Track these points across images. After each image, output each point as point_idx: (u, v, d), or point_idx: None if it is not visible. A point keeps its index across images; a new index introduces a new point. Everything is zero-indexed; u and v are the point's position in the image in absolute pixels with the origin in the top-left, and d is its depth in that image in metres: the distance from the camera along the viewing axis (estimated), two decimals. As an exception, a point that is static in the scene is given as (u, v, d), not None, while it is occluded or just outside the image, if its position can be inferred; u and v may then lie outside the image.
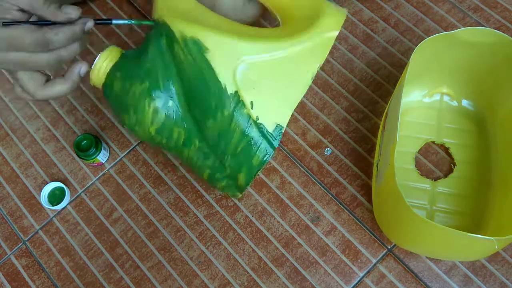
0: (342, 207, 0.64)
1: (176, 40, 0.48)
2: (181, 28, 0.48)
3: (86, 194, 0.67)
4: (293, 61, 0.50)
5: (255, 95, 0.50)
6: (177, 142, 0.52)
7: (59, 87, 0.46)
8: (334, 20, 0.53)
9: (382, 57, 0.72)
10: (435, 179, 0.64)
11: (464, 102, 0.66)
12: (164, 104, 0.50)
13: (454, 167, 0.64)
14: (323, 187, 0.65)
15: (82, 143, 0.66)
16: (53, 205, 0.66)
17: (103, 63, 0.49)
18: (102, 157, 0.67)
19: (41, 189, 0.67)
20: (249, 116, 0.50)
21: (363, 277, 0.61)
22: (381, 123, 0.66)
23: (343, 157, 0.67)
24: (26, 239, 0.66)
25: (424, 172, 0.65)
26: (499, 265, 0.60)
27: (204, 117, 0.50)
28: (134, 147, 0.69)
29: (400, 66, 0.72)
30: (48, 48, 0.42)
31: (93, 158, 0.65)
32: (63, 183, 0.67)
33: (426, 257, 0.61)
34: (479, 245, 0.49)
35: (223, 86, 0.49)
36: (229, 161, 0.52)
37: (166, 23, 0.49)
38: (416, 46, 0.55)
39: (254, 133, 0.50)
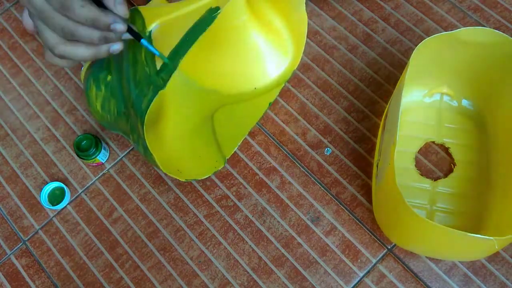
0: (342, 207, 0.64)
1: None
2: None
3: (86, 194, 0.67)
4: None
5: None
6: (114, 113, 0.55)
7: (82, 50, 0.43)
8: None
9: (382, 57, 0.72)
10: (435, 179, 0.64)
11: (464, 102, 0.66)
12: (104, 79, 0.54)
13: (454, 167, 0.64)
14: (323, 187, 0.65)
15: (82, 143, 0.66)
16: (53, 205, 0.66)
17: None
18: (102, 157, 0.67)
19: (41, 189, 0.67)
20: (146, 65, 0.52)
21: (363, 277, 0.61)
22: (381, 123, 0.66)
23: (343, 157, 0.67)
24: (26, 239, 0.66)
25: (424, 172, 0.65)
26: (499, 265, 0.60)
27: (123, 83, 0.53)
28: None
29: (400, 66, 0.72)
30: (68, 14, 0.40)
31: (93, 158, 0.65)
32: (63, 183, 0.67)
33: (426, 257, 0.61)
34: (479, 245, 0.49)
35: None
36: (132, 112, 0.53)
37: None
38: (416, 46, 0.55)
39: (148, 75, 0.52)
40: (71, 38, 0.42)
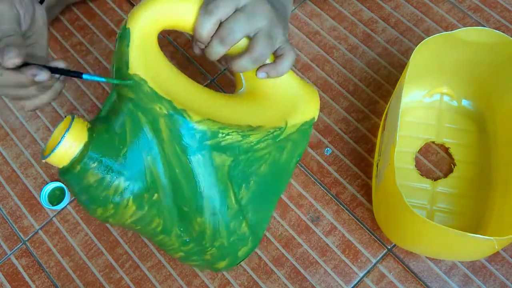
0: (342, 207, 0.64)
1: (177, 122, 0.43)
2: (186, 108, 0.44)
3: (86, 194, 0.67)
4: (278, 152, 0.49)
5: (244, 190, 0.48)
6: (155, 230, 0.48)
7: (41, 98, 0.44)
8: (312, 104, 0.51)
9: (382, 57, 0.72)
10: (435, 179, 0.64)
11: (464, 102, 0.66)
12: (149, 199, 0.45)
13: (454, 167, 0.64)
14: (323, 187, 0.65)
15: (82, 143, 0.66)
16: (53, 205, 0.66)
17: (70, 145, 0.42)
18: (102, 157, 0.67)
19: (41, 189, 0.67)
20: (242, 215, 0.48)
21: (363, 277, 0.61)
22: (381, 123, 0.66)
23: (343, 157, 0.67)
24: (26, 239, 0.66)
25: (424, 172, 0.65)
26: (499, 265, 0.60)
27: (193, 214, 0.46)
28: (134, 147, 0.69)
29: (400, 66, 0.72)
30: (26, 86, 0.41)
31: (93, 158, 0.65)
32: (63, 183, 0.67)
33: (426, 257, 0.61)
34: (479, 245, 0.49)
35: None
36: (213, 251, 0.49)
37: (161, 96, 0.43)
38: (416, 46, 0.55)
39: (243, 229, 0.48)
40: (21, 100, 0.42)
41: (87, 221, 0.66)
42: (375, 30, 0.74)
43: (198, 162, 0.45)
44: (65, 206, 0.67)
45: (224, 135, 0.45)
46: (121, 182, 0.43)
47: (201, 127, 0.44)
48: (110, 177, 0.43)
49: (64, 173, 0.44)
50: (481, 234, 0.45)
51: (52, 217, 0.67)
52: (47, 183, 0.67)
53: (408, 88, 0.66)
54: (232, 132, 0.46)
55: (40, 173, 0.69)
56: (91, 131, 0.43)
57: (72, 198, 0.67)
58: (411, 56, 0.55)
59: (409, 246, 0.58)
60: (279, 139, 0.49)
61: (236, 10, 0.44)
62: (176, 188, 0.45)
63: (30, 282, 0.64)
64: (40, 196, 0.66)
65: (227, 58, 0.47)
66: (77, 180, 0.43)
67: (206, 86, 0.72)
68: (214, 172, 0.46)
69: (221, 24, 0.44)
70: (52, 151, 0.41)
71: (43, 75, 0.40)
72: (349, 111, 0.69)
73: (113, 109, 0.45)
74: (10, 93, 0.41)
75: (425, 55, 0.57)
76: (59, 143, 0.41)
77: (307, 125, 0.51)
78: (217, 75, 0.73)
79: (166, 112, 0.43)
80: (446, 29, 0.73)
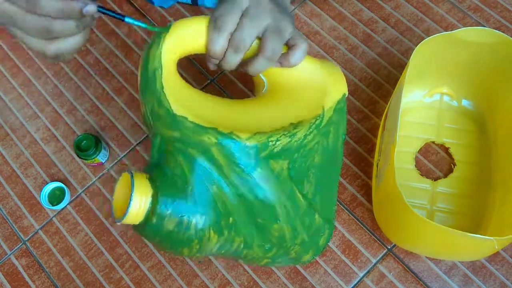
0: (342, 207, 0.64)
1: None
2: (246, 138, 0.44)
3: (86, 194, 0.67)
4: (324, 138, 0.50)
5: (306, 185, 0.49)
6: (237, 249, 0.49)
7: (69, 41, 0.41)
8: (338, 81, 0.51)
9: (382, 57, 0.72)
10: (435, 179, 0.64)
11: (464, 102, 0.66)
12: (226, 224, 0.46)
13: (454, 167, 0.64)
14: (323, 187, 0.65)
15: (82, 143, 0.66)
16: (53, 205, 0.66)
17: (140, 201, 0.42)
18: (102, 157, 0.67)
19: (41, 189, 0.67)
20: (312, 209, 0.49)
21: (363, 277, 0.61)
22: (381, 123, 0.66)
23: (343, 157, 0.67)
24: (26, 239, 0.66)
25: (424, 172, 0.65)
26: (499, 265, 0.60)
27: (268, 223, 0.48)
28: (134, 147, 0.69)
29: (400, 66, 0.72)
30: (36, 10, 0.38)
31: (93, 158, 0.65)
32: (63, 183, 0.67)
33: (426, 257, 0.61)
34: (479, 245, 0.49)
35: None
36: (296, 249, 0.50)
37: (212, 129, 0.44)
38: (416, 46, 0.55)
39: (317, 220, 0.50)
40: (50, 36, 0.40)
41: (87, 221, 0.66)
42: (375, 30, 0.74)
43: (260, 176, 0.46)
44: (65, 206, 0.67)
45: (274, 142, 0.46)
46: (197, 218, 0.44)
47: (252, 143, 0.45)
48: (186, 217, 0.44)
49: (141, 229, 0.44)
50: (481, 234, 0.45)
51: (52, 217, 0.67)
52: (47, 183, 0.67)
53: (408, 88, 0.66)
54: (280, 136, 0.46)
55: (40, 173, 0.69)
56: (152, 181, 0.44)
57: (72, 198, 0.67)
58: (411, 56, 0.55)
59: (409, 246, 0.58)
60: (321, 126, 0.49)
61: (241, 16, 0.44)
62: (247, 206, 0.46)
63: (30, 282, 0.64)
64: (40, 196, 0.66)
65: (242, 63, 0.48)
66: (157, 231, 0.44)
67: (206, 86, 0.72)
68: (276, 179, 0.47)
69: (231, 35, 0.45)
70: (125, 213, 0.42)
71: (92, 7, 0.39)
72: (349, 111, 0.69)
73: (162, 153, 0.46)
74: (46, 24, 0.39)
75: (425, 55, 0.57)
76: (129, 204, 0.42)
77: (341, 103, 0.51)
78: (217, 75, 0.73)
79: (216, 140, 0.44)
80: (446, 29, 0.73)
